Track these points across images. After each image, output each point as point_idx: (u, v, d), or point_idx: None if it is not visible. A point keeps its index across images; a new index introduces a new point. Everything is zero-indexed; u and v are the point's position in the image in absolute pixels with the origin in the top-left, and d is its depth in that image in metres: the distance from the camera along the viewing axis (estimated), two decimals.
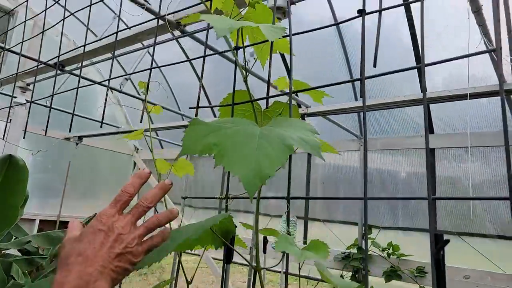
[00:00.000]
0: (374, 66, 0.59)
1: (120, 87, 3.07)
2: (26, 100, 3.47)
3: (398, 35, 3.66)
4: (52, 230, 2.71)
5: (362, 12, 0.60)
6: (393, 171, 4.14)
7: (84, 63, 2.71)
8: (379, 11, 0.60)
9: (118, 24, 1.96)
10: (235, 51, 0.77)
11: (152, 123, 6.25)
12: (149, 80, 0.99)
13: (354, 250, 4.00)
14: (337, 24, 0.86)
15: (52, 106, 4.57)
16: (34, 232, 5.32)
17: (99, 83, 1.99)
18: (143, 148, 7.38)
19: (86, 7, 1.86)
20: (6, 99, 4.51)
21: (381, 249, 3.86)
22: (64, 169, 5.96)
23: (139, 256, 0.59)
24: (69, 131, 1.60)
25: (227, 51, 0.87)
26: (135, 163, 7.33)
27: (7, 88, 4.09)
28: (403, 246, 3.80)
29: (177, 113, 5.06)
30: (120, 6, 1.68)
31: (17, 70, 2.74)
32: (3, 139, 4.32)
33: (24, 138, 2.19)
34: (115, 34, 2.01)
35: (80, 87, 1.57)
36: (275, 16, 1.08)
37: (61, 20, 1.91)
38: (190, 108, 0.81)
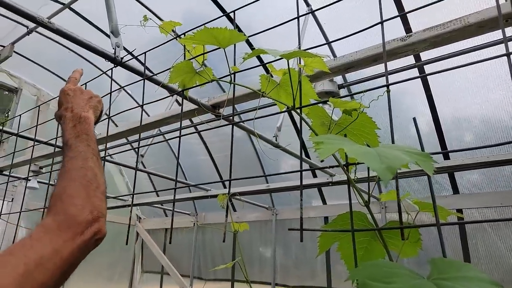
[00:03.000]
0: None
1: (136, 165, 3.00)
2: (39, 182, 3.33)
3: None
4: None
5: None
6: None
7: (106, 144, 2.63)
8: None
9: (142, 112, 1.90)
10: (345, 167, 0.68)
11: (158, 196, 6.09)
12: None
13: None
14: None
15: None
16: None
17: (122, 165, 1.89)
18: (145, 217, 7.14)
19: (106, 94, 1.79)
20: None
21: None
22: None
23: (96, 97, 1.02)
24: None
25: (330, 167, 0.77)
26: (138, 233, 7.04)
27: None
28: None
29: (184, 183, 4.96)
30: (143, 97, 1.61)
31: (31, 155, 2.65)
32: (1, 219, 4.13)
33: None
34: (140, 120, 1.95)
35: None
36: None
37: None
38: (289, 229, 0.71)
